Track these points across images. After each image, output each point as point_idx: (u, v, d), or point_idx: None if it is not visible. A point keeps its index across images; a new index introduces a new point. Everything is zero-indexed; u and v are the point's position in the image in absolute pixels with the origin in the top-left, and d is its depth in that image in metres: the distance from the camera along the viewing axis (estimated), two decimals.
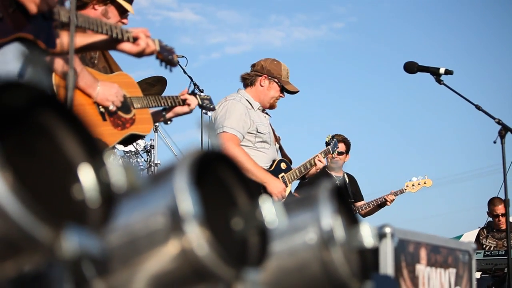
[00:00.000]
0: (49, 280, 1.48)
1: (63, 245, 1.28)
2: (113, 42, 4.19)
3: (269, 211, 1.77)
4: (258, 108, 6.71)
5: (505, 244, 9.88)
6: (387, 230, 3.44)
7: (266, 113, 6.84)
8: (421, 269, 3.72)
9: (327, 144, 7.52)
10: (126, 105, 4.77)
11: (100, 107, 4.56)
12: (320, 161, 7.18)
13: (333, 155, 7.68)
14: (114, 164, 1.43)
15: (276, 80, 6.75)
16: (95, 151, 1.47)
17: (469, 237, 12.61)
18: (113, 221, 1.47)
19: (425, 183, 9.29)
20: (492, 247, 9.85)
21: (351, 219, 2.25)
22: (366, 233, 2.19)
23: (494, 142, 5.89)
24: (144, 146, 8.93)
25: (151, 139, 9.11)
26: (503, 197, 6.22)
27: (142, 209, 1.68)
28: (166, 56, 4.44)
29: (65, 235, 1.28)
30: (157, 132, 9.14)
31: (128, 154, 8.54)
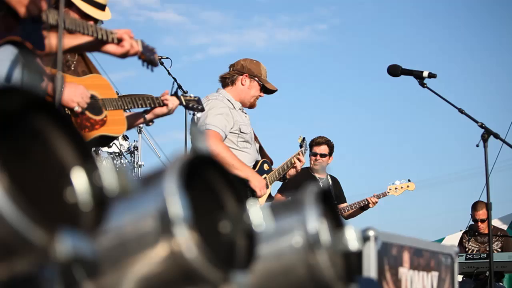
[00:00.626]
0: (41, 282, 1.49)
1: (57, 248, 1.29)
2: (98, 44, 4.22)
3: (257, 214, 1.79)
4: (239, 108, 6.76)
5: (487, 248, 9.94)
6: (371, 233, 3.47)
7: (245, 113, 6.89)
8: (404, 272, 3.74)
9: (300, 146, 7.59)
10: (97, 107, 4.79)
11: (66, 109, 4.53)
12: (299, 159, 7.24)
13: (304, 152, 7.72)
14: (107, 168, 1.44)
15: (256, 79, 6.82)
16: (87, 155, 1.49)
17: (451, 240, 12.65)
18: (105, 224, 1.49)
19: (408, 186, 9.34)
20: (475, 250, 9.91)
21: (336, 223, 2.28)
22: (351, 237, 2.22)
23: (477, 146, 5.92)
24: (128, 148, 8.93)
25: (135, 141, 9.11)
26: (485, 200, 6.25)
27: (132, 212, 1.69)
28: (148, 57, 4.45)
29: (59, 238, 1.29)
30: (141, 134, 9.15)
31: (112, 155, 8.54)
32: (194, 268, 1.64)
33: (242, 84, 6.80)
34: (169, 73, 8.60)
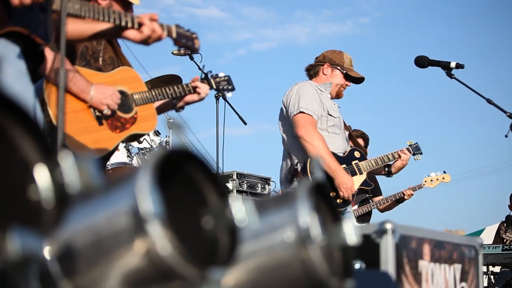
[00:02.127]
0: (15, 280, 1.47)
1: (8, 246, 1.27)
2: (118, 30, 4.04)
3: (239, 209, 1.76)
4: (328, 96, 6.63)
5: None
6: (388, 226, 3.43)
7: (334, 102, 6.74)
8: (424, 265, 3.69)
9: (410, 146, 7.39)
10: (127, 104, 4.70)
11: (96, 111, 4.49)
12: (404, 153, 7.03)
13: (416, 158, 7.51)
14: (68, 165, 1.42)
15: (338, 67, 6.68)
16: (49, 152, 1.46)
17: (491, 231, 12.53)
18: (65, 221, 1.47)
19: (443, 178, 9.22)
20: None
21: (333, 217, 2.23)
22: (349, 231, 2.18)
23: (506, 136, 5.83)
24: (160, 143, 8.92)
25: (167, 136, 9.10)
26: None
27: (106, 209, 1.67)
28: (185, 43, 4.34)
29: (10, 237, 1.27)
30: (171, 129, 9.13)
31: (143, 151, 8.53)
32: (169, 265, 1.61)
33: (324, 74, 6.68)
34: (199, 68, 8.60)
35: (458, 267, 4.01)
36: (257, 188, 10.03)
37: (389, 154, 7.07)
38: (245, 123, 8.91)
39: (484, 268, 9.47)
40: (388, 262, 3.44)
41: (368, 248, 3.47)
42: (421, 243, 3.68)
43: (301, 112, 6.23)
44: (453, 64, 6.12)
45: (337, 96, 6.79)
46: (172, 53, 8.78)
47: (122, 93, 4.71)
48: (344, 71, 6.72)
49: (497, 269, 9.57)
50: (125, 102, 4.68)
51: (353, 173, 6.47)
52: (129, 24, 3.97)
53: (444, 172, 9.26)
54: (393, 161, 7.07)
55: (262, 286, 2.10)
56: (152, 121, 4.88)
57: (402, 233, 3.55)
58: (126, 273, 1.66)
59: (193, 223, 1.79)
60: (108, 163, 8.07)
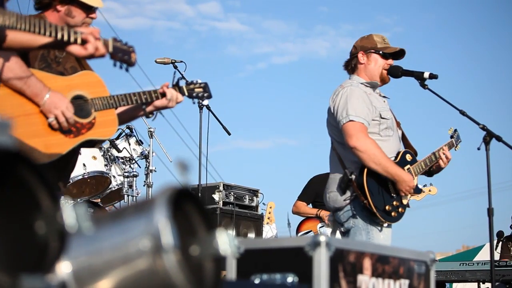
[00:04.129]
0: None
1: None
2: (62, 43, 4.07)
3: (69, 214, 1.64)
4: (377, 92, 6.35)
5: None
6: (322, 239, 3.31)
7: (384, 96, 6.45)
8: (365, 280, 3.56)
9: (451, 137, 7.10)
10: (85, 109, 4.59)
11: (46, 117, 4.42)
12: (445, 153, 6.72)
13: (456, 148, 7.22)
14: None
15: (372, 50, 6.37)
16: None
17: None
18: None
19: (429, 190, 9.02)
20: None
21: (207, 226, 2.10)
22: (222, 241, 2.05)
23: (478, 149, 5.71)
24: (141, 152, 8.84)
25: (149, 145, 9.03)
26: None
27: None
28: (121, 57, 4.31)
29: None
30: (152, 138, 9.06)
31: (122, 160, 8.45)
32: None
33: (361, 63, 6.29)
34: (183, 77, 8.51)
35: (405, 282, 3.87)
36: (244, 200, 9.87)
37: (435, 153, 6.69)
38: (229, 134, 8.82)
39: (476, 285, 9.34)
40: (321, 276, 3.32)
41: (301, 261, 3.37)
42: (360, 257, 3.55)
43: (350, 120, 5.95)
44: (426, 74, 6.01)
45: (383, 81, 6.39)
46: (156, 61, 8.72)
47: (80, 97, 4.62)
48: (380, 52, 6.34)
49: (487, 285, 9.42)
50: (83, 107, 4.59)
51: None
52: (65, 38, 3.98)
53: (431, 184, 9.07)
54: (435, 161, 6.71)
55: None
56: (112, 127, 4.76)
57: (338, 246, 3.42)
58: None
59: (25, 227, 1.68)
60: (85, 171, 8.01)
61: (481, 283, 9.21)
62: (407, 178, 5.98)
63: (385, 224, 5.90)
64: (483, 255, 12.40)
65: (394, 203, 5.93)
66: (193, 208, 2.09)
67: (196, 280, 1.93)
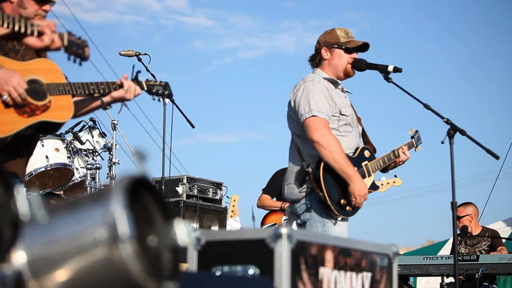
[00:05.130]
0: None
1: None
2: (18, 34, 4.15)
3: (22, 203, 1.61)
4: (339, 88, 6.32)
5: (476, 250, 9.75)
6: (283, 231, 3.29)
7: (346, 91, 6.43)
8: (326, 272, 3.54)
9: (412, 137, 7.09)
10: (41, 92, 4.63)
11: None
12: (404, 153, 6.69)
13: (416, 149, 7.20)
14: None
15: (335, 46, 6.28)
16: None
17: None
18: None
19: (394, 182, 9.04)
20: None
21: (164, 216, 2.08)
22: (181, 231, 2.03)
23: (442, 143, 5.71)
24: (105, 145, 8.79)
25: (112, 137, 8.97)
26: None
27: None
28: (75, 51, 4.38)
29: None
30: (115, 130, 9.00)
31: (85, 153, 8.39)
32: None
33: (325, 59, 6.27)
34: (147, 69, 8.47)
35: (367, 275, 3.86)
36: (208, 193, 9.84)
37: (394, 151, 6.69)
38: (193, 126, 8.78)
39: (439, 279, 9.37)
40: (282, 268, 3.30)
41: (262, 253, 3.34)
42: (322, 250, 3.54)
43: (313, 115, 5.92)
44: (390, 68, 6.00)
45: (348, 75, 6.34)
46: (120, 54, 8.65)
47: (35, 81, 4.65)
48: (343, 46, 6.31)
49: (451, 279, 9.47)
50: (39, 90, 4.63)
51: (363, 176, 6.14)
52: (22, 30, 4.08)
53: (395, 176, 9.09)
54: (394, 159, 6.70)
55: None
56: (67, 111, 4.78)
57: (300, 239, 3.40)
58: None
59: None
60: (47, 163, 7.95)
61: (444, 277, 9.25)
62: (362, 185, 5.97)
63: (339, 218, 5.90)
64: (448, 250, 12.47)
65: (350, 197, 5.92)
66: (150, 198, 2.06)
67: (153, 270, 1.90)
